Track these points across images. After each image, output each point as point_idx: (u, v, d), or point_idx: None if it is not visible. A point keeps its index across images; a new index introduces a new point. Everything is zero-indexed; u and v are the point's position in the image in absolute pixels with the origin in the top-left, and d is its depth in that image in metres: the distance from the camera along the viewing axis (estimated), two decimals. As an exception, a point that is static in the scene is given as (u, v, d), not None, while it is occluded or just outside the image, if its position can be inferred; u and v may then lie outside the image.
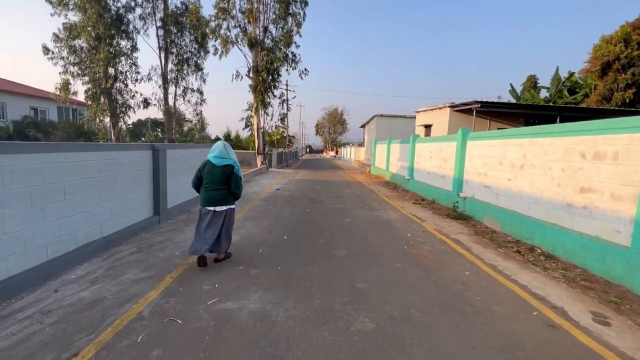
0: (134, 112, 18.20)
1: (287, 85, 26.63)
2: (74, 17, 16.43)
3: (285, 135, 35.94)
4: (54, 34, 16.42)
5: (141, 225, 5.16)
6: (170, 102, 20.01)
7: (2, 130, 25.36)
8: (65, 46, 16.52)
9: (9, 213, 3.00)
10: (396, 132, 22.92)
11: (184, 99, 19.83)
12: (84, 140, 23.29)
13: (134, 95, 18.63)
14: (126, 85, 18.14)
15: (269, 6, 17.71)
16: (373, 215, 7.27)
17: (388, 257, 4.46)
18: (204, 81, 20.43)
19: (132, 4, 16.94)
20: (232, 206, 3.96)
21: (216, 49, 15.95)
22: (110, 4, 16.37)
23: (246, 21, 17.45)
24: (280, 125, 36.44)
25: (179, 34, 18.87)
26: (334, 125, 78.03)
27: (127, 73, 18.16)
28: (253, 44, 15.88)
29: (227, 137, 42.10)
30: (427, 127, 16.98)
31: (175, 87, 19.67)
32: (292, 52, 19.04)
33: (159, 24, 17.85)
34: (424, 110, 17.50)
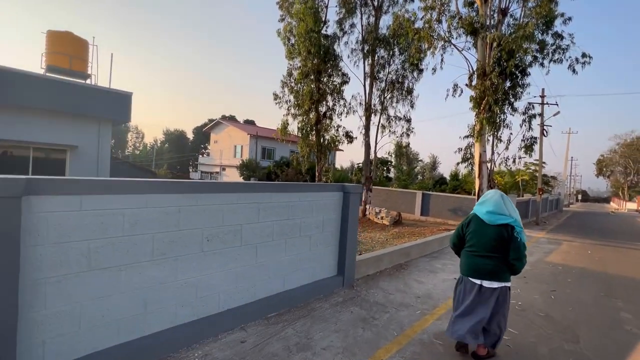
0: (334, 147, 16.73)
1: (542, 94, 17.02)
2: (298, 63, 17.33)
3: (537, 174, 24.85)
4: (281, 80, 17.82)
5: None
6: (372, 134, 17.31)
7: (266, 168, 33.12)
8: (289, 91, 17.59)
9: None
10: None
11: (385, 129, 16.56)
12: (309, 177, 25.49)
13: (337, 129, 17.40)
14: (331, 120, 17.18)
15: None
16: None
17: None
18: (411, 106, 16.41)
19: (340, 34, 16.06)
20: (508, 284, 2.87)
21: (419, 50, 11.15)
22: (322, 41, 15.99)
23: (468, 9, 11.92)
24: (533, 160, 25.53)
25: (388, 58, 16.25)
26: (634, 163, 50.75)
27: (335, 107, 17.24)
28: (476, 29, 9.98)
29: (455, 177, 35.66)
30: None
31: (380, 116, 16.94)
32: (556, 33, 11.15)
33: (364, 46, 15.99)
34: None
